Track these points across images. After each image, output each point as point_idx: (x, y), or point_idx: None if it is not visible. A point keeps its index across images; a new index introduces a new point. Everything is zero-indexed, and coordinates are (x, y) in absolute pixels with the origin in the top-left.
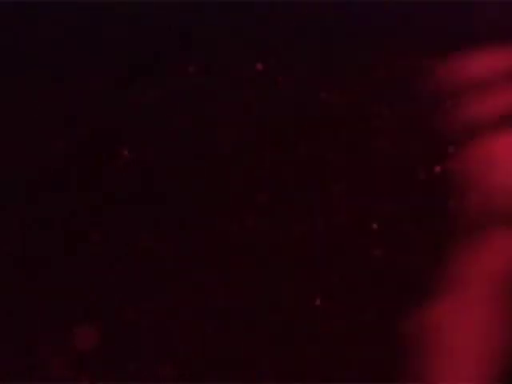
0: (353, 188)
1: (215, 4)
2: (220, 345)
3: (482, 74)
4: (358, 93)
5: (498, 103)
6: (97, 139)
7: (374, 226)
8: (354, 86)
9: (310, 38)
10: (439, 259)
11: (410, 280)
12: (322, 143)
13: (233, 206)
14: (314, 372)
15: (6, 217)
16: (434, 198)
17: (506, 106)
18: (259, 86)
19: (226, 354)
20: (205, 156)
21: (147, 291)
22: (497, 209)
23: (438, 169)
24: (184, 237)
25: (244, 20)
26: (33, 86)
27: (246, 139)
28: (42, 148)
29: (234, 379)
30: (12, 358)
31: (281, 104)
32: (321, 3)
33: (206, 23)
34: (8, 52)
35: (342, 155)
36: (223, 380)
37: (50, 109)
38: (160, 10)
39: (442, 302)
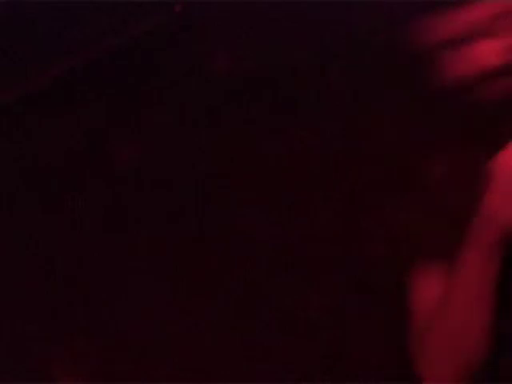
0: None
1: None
2: (220, 345)
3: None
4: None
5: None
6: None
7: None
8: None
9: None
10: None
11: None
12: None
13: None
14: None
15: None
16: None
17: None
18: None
19: (226, 353)
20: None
21: (148, 291)
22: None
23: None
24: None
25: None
26: None
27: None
28: None
29: (233, 379)
30: (11, 358)
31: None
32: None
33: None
34: None
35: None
36: (223, 380)
37: None
38: None
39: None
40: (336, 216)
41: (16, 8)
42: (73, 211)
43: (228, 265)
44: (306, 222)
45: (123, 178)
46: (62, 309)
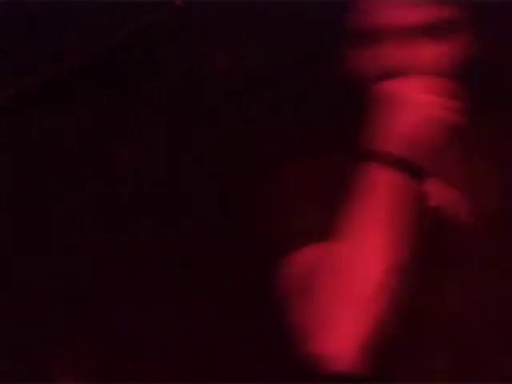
0: None
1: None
2: (220, 345)
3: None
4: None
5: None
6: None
7: None
8: None
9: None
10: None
11: None
12: None
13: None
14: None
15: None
16: None
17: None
18: None
19: (226, 353)
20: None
21: (148, 291)
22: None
23: None
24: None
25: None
26: None
27: None
28: None
29: (233, 379)
30: (11, 358)
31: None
32: None
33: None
34: None
35: None
36: (223, 380)
37: None
38: None
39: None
40: (336, 216)
41: (16, 8)
42: (73, 211)
43: (228, 265)
44: (305, 221)
45: (123, 178)
46: (61, 309)
